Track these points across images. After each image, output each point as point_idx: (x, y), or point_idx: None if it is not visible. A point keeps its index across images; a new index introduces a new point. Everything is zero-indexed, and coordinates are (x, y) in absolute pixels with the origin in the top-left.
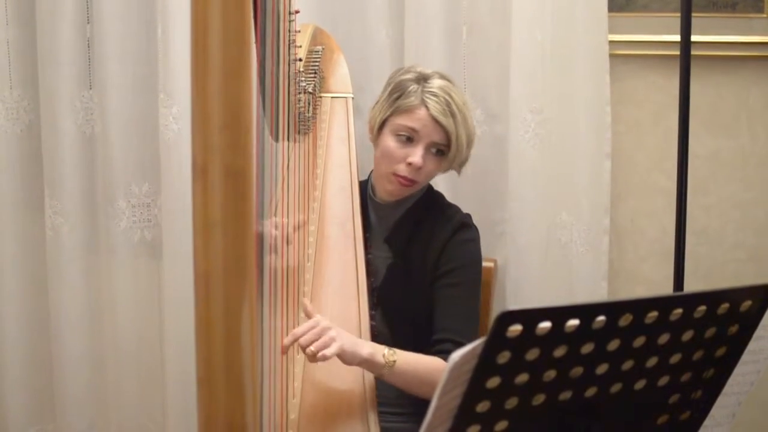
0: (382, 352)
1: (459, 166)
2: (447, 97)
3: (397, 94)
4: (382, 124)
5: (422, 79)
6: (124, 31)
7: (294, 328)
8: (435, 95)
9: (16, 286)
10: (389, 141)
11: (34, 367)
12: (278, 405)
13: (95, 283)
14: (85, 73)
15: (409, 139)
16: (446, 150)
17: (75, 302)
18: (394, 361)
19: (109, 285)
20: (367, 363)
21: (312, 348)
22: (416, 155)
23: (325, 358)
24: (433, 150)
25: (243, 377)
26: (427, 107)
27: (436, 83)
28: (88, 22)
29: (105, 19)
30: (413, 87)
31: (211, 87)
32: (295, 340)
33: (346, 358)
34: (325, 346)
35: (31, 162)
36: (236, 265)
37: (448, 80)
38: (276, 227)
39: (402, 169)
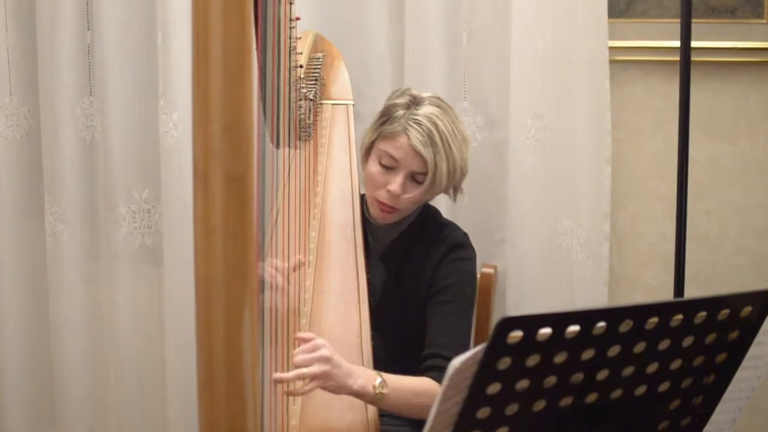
0: (372, 384)
1: (453, 192)
2: (431, 126)
3: (384, 119)
4: (370, 148)
5: (413, 104)
6: (124, 37)
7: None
8: (419, 123)
9: (17, 293)
10: (372, 166)
11: (34, 372)
12: (279, 411)
13: (95, 289)
14: (85, 79)
15: (391, 165)
16: (425, 179)
17: (75, 308)
18: (385, 393)
19: (109, 291)
20: (357, 395)
21: (297, 371)
22: (395, 183)
23: (302, 393)
24: (416, 178)
25: (244, 382)
26: (408, 136)
27: (424, 110)
28: (88, 29)
29: (105, 25)
30: (400, 113)
31: (212, 92)
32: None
33: (332, 389)
34: (311, 372)
35: (31, 168)
36: (237, 269)
37: (441, 107)
38: (276, 269)
39: (383, 196)
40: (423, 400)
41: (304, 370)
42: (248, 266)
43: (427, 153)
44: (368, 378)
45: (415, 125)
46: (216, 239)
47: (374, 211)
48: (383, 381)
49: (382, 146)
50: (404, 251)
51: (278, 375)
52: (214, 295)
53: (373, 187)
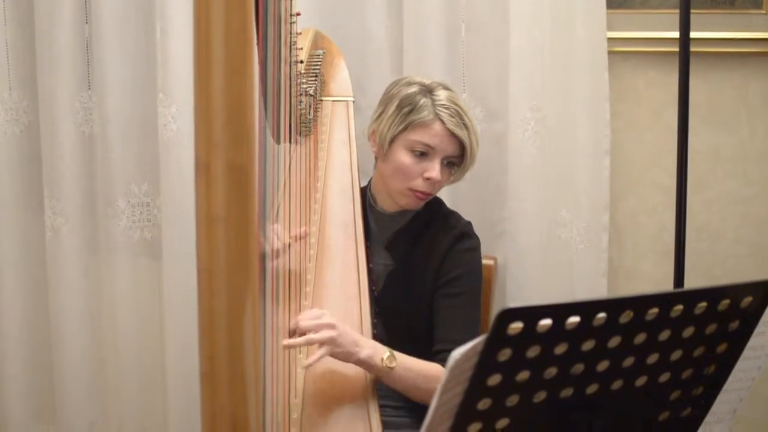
0: (381, 356)
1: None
2: (458, 108)
3: (408, 109)
4: (392, 141)
5: (427, 91)
6: (122, 31)
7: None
8: (447, 108)
9: (16, 287)
10: (404, 157)
11: (34, 367)
12: (281, 404)
13: (95, 282)
14: (83, 73)
15: (423, 153)
16: (458, 161)
17: (75, 302)
18: (392, 367)
19: (109, 285)
20: (364, 364)
21: (306, 337)
22: (434, 170)
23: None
24: (445, 162)
25: (246, 372)
26: (442, 121)
27: (443, 94)
28: (86, 23)
29: (103, 19)
30: (423, 101)
31: (213, 84)
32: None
33: (340, 356)
34: (320, 337)
35: (30, 162)
36: (239, 260)
37: (450, 89)
38: (278, 237)
39: (419, 185)
40: (431, 385)
41: (313, 336)
42: (250, 257)
43: (463, 134)
44: (376, 350)
45: (445, 110)
46: (218, 229)
47: (407, 201)
48: (392, 356)
49: (413, 136)
50: (411, 240)
51: (288, 341)
52: (216, 286)
53: (406, 177)
